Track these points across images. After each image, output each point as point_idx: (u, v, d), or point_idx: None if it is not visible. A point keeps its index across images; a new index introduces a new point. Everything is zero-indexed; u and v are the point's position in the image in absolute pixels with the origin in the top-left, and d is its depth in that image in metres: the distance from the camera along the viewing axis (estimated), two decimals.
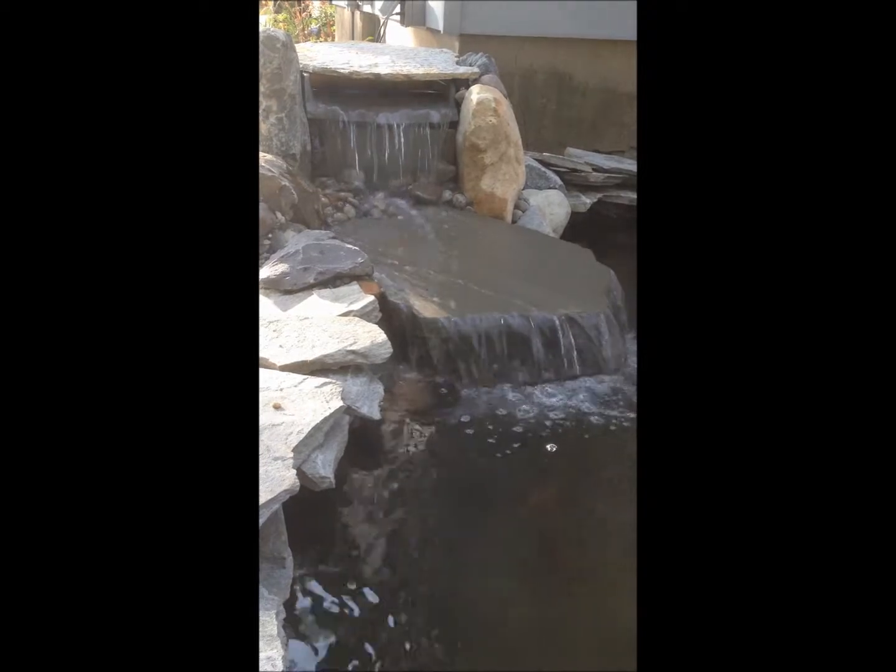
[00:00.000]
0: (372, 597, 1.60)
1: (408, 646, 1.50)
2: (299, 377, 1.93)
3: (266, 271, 2.43)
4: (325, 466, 1.74)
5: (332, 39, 7.14)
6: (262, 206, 2.68)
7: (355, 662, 1.45)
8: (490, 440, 2.19)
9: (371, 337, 2.13)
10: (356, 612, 1.56)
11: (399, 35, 5.14)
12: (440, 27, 4.24)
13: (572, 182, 3.80)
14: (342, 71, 3.35)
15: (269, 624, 1.30)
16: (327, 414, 1.77)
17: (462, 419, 2.27)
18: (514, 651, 1.53)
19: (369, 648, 1.48)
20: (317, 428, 1.73)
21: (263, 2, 7.19)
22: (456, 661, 1.49)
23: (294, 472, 1.53)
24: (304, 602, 1.57)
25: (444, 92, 3.53)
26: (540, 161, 3.79)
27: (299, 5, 7.84)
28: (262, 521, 1.42)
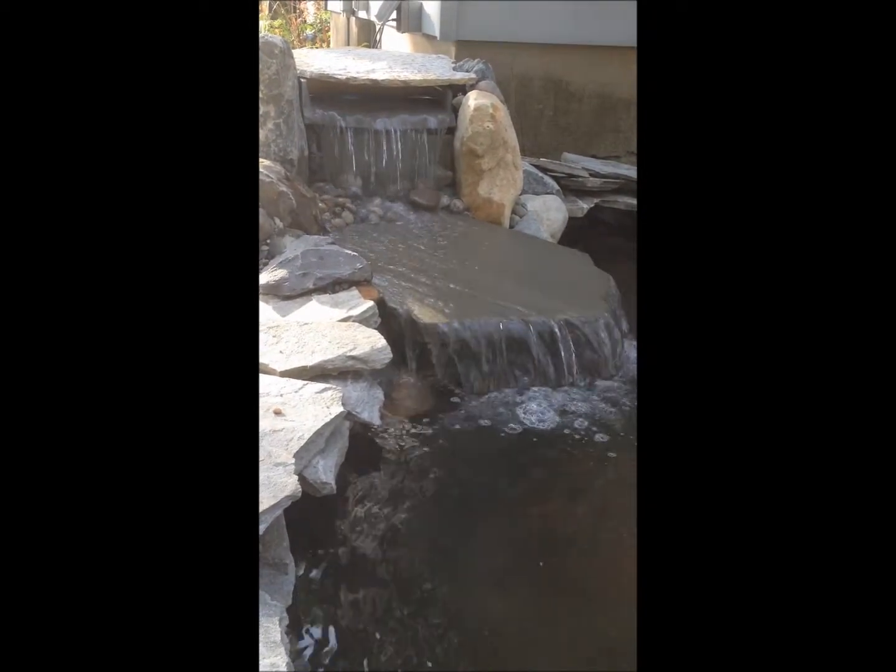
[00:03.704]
0: (373, 601, 1.60)
1: (409, 649, 1.49)
2: (299, 383, 1.93)
3: (265, 277, 2.43)
4: (326, 472, 1.73)
5: (328, 45, 7.15)
6: (260, 211, 2.68)
7: (357, 665, 1.45)
8: (490, 445, 2.19)
9: (371, 342, 2.13)
10: (357, 616, 1.56)
11: (395, 41, 5.15)
12: (436, 33, 4.25)
13: (569, 187, 3.80)
14: (339, 77, 3.35)
15: (273, 630, 1.30)
16: (328, 419, 1.77)
17: (462, 425, 2.27)
18: (515, 652, 1.53)
19: (371, 652, 1.48)
20: (318, 433, 1.72)
21: (260, 8, 7.19)
22: (457, 664, 1.48)
23: (296, 477, 1.53)
24: (306, 607, 1.56)
25: (441, 98, 3.53)
26: (537, 166, 3.80)
27: (294, 11, 7.86)
28: (264, 527, 1.42)
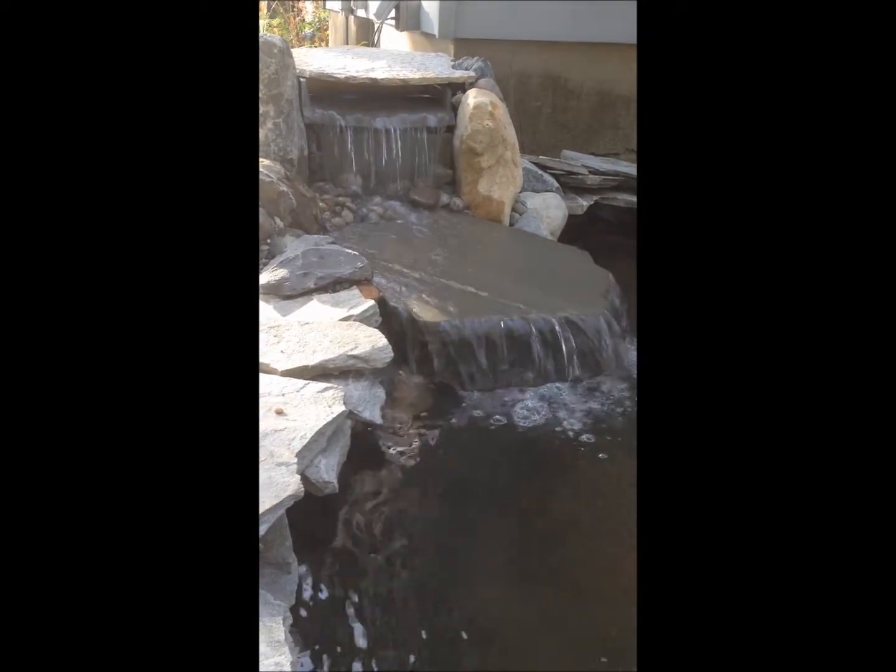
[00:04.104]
0: (376, 600, 1.61)
1: (412, 648, 1.50)
2: (301, 382, 1.93)
3: (266, 277, 2.44)
4: (328, 471, 1.74)
5: (326, 44, 7.15)
6: (260, 211, 2.68)
7: (359, 665, 1.46)
8: (491, 443, 2.19)
9: (372, 341, 2.13)
10: (360, 615, 1.56)
11: (393, 40, 5.15)
12: (435, 31, 4.25)
13: (569, 185, 3.80)
14: (339, 76, 3.35)
15: (277, 630, 1.30)
16: (330, 419, 1.78)
17: (463, 422, 2.27)
18: (517, 652, 1.53)
19: (373, 651, 1.48)
20: (320, 433, 1.73)
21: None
22: (461, 664, 1.49)
23: (298, 477, 1.53)
24: (309, 607, 1.56)
25: (440, 96, 3.53)
26: (536, 164, 3.80)
27: (293, 10, 7.85)
28: (266, 526, 1.42)
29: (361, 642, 1.51)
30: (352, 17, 6.08)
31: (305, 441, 1.67)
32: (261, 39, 3.06)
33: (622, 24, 3.93)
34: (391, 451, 2.15)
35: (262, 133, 3.09)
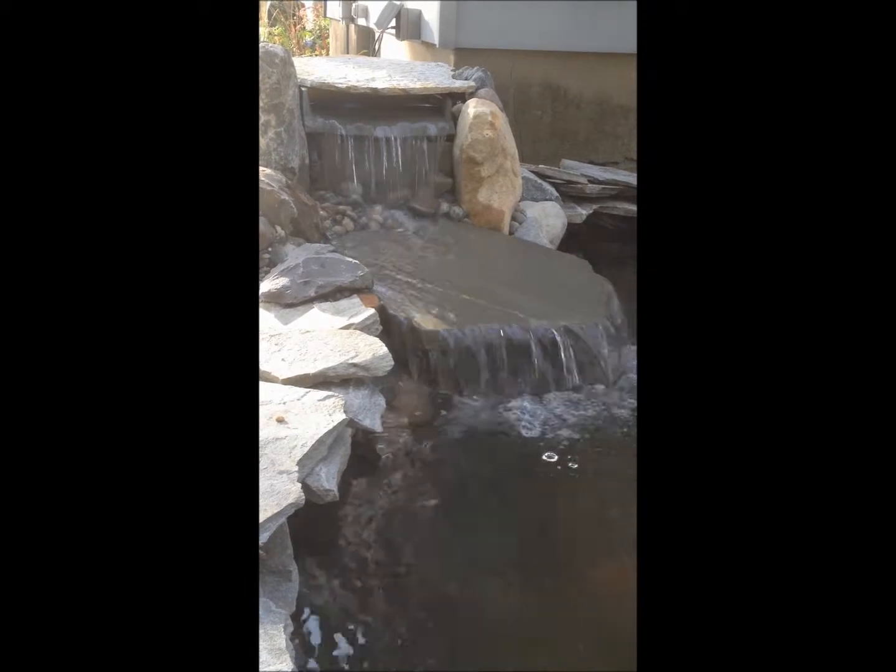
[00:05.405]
0: (377, 607, 1.61)
1: (413, 653, 1.50)
2: (302, 390, 1.94)
3: (267, 285, 2.45)
4: (328, 479, 1.74)
5: (327, 52, 7.18)
6: (261, 220, 2.70)
7: (359, 668, 1.46)
8: (491, 451, 2.20)
9: (372, 350, 2.14)
10: (361, 621, 1.57)
11: (394, 49, 5.18)
12: (435, 41, 4.27)
13: (568, 194, 3.82)
14: (340, 85, 3.37)
15: (278, 637, 1.31)
16: (330, 427, 1.78)
17: (463, 431, 2.28)
18: (517, 653, 1.54)
19: (374, 657, 1.49)
20: (320, 441, 1.73)
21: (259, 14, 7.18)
22: (459, 665, 1.50)
23: (299, 485, 1.54)
24: (310, 614, 1.57)
25: (440, 105, 3.55)
26: (536, 173, 3.81)
27: (293, 17, 7.88)
28: (268, 535, 1.43)
29: (362, 649, 1.51)
30: (352, 26, 6.11)
31: (306, 449, 1.68)
32: (263, 49, 3.08)
33: (622, 34, 3.95)
34: (391, 458, 2.16)
35: (263, 142, 3.11)
